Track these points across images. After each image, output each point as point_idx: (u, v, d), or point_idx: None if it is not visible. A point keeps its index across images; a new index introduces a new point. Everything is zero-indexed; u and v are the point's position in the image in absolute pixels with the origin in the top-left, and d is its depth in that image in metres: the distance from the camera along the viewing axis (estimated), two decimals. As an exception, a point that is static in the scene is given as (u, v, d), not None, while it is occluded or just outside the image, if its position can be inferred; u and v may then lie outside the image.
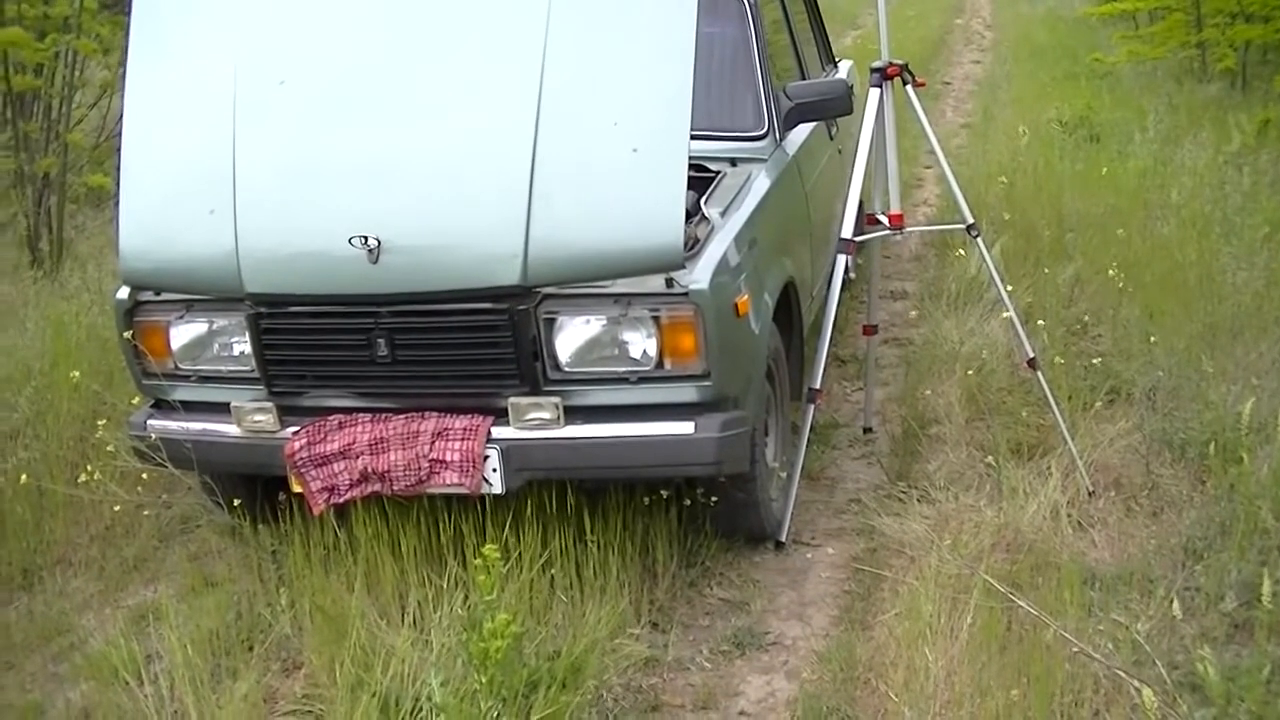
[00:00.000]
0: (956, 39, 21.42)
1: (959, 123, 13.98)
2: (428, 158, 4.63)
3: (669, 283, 4.53)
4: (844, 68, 8.62)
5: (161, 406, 5.14)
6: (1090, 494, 5.50)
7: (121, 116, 5.07)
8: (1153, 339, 6.54)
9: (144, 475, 5.31)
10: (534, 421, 4.63)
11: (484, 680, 3.85)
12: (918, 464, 5.99)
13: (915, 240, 9.15)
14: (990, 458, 5.78)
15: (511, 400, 4.64)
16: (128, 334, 5.02)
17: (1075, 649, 4.16)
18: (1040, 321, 6.85)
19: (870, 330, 6.30)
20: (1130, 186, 9.55)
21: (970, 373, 6.44)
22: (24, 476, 5.51)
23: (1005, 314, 5.75)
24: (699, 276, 4.55)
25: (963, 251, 7.78)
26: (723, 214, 5.05)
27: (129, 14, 5.06)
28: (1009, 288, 6.01)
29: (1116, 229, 8.40)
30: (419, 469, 4.65)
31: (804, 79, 6.96)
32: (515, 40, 4.64)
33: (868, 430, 6.47)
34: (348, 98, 4.76)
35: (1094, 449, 5.71)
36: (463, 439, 4.63)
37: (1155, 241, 8.28)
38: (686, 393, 4.64)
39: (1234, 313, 7.12)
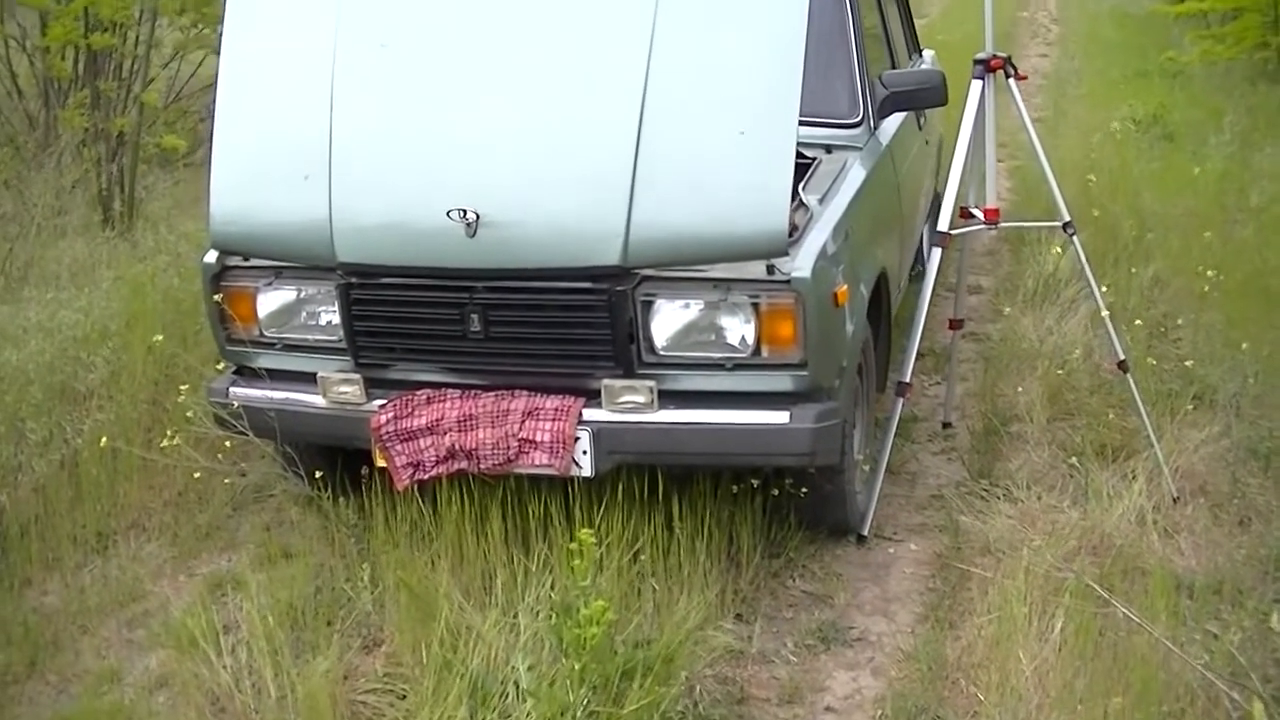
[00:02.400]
0: (1022, 31, 21.23)
1: (1030, 117, 13.81)
2: (531, 133, 4.56)
3: (770, 269, 4.46)
4: (928, 57, 8.53)
5: (244, 374, 5.10)
6: (1175, 500, 5.41)
7: (216, 76, 5.01)
8: (1244, 345, 6.44)
9: (227, 443, 5.26)
10: (627, 404, 4.57)
11: (576, 667, 3.79)
12: (999, 462, 5.92)
13: (989, 234, 9.04)
14: (1074, 459, 5.70)
15: (605, 382, 4.58)
16: (216, 298, 4.97)
17: (1177, 658, 4.09)
18: (1137, 322, 6.77)
19: (956, 324, 6.22)
20: (1209, 189, 9.43)
21: (1060, 371, 6.35)
22: (104, 439, 5.47)
23: (1102, 313, 5.66)
24: (801, 264, 4.46)
25: (1059, 249, 7.67)
26: (821, 201, 4.97)
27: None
28: (1104, 288, 5.92)
29: (1196, 231, 8.31)
30: (508, 448, 4.60)
31: (894, 68, 6.88)
32: (624, 17, 4.57)
33: (946, 425, 6.39)
34: (451, 68, 4.70)
35: (1179, 454, 5.63)
36: (554, 419, 4.57)
37: (1235, 245, 8.18)
38: (782, 381, 4.57)
39: (1319, 320, 7.04)
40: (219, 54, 5.02)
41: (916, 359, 5.68)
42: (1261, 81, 13.78)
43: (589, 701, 3.81)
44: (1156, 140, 11.50)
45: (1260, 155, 10.29)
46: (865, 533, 5.32)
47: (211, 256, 5.00)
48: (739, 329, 4.55)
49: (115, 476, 5.63)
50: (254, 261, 4.95)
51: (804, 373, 4.53)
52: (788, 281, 4.45)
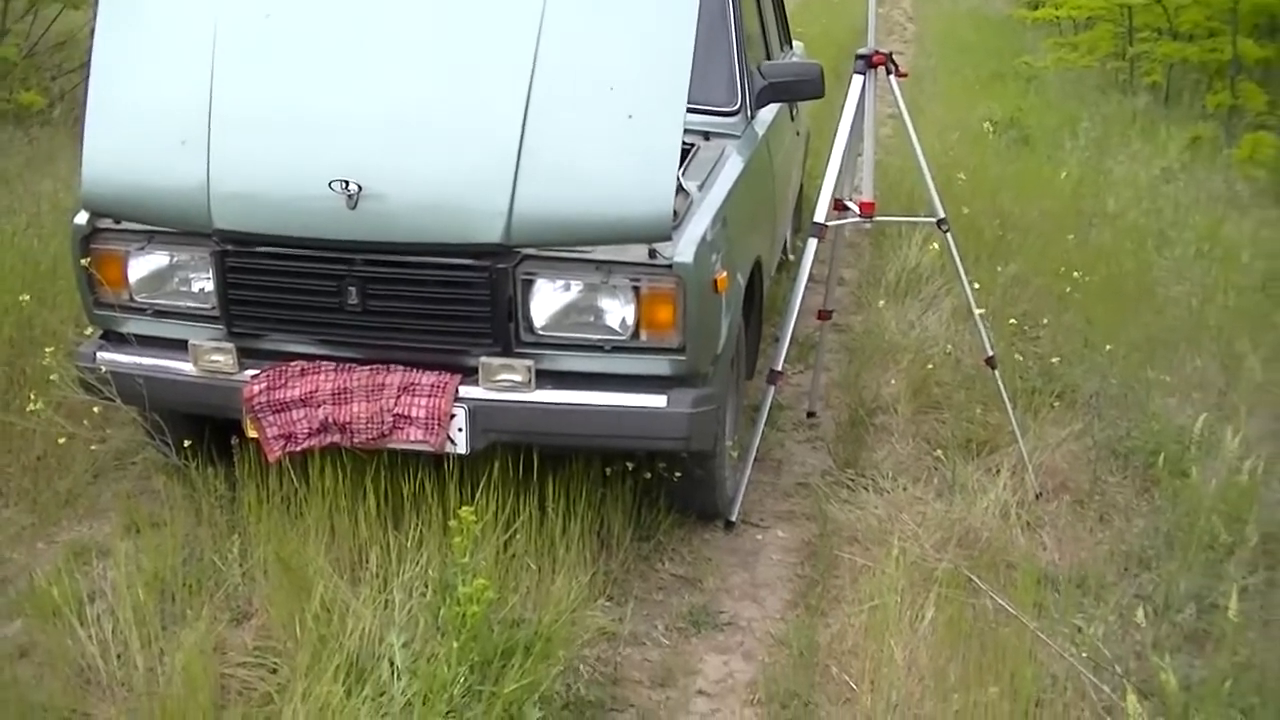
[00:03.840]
0: (878, 28, 21.38)
1: (886, 113, 13.96)
2: (416, 107, 4.52)
3: (652, 253, 4.46)
4: (798, 48, 8.59)
5: (112, 338, 4.98)
6: (1038, 495, 5.51)
7: (91, 33, 4.88)
8: (1108, 348, 6.59)
9: (94, 409, 5.15)
10: (504, 383, 4.54)
11: (455, 645, 3.76)
12: (864, 452, 5.98)
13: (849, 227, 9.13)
14: (939, 451, 5.78)
15: (483, 360, 4.55)
16: (84, 261, 4.86)
17: (1045, 649, 4.17)
18: (1011, 320, 6.89)
19: (825, 315, 6.27)
20: (1065, 192, 9.61)
21: (930, 366, 6.44)
22: (-37, 401, 5.35)
23: (976, 310, 5.73)
24: (683, 249, 4.47)
25: (923, 244, 7.78)
26: (700, 188, 4.97)
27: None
28: (975, 285, 6.00)
29: (1055, 233, 8.47)
30: (382, 422, 4.55)
31: (768, 58, 6.91)
32: None
33: (811, 414, 6.44)
34: (338, 40, 4.64)
35: (1041, 451, 5.73)
36: (430, 395, 4.53)
37: (1091, 249, 8.34)
38: (660, 365, 4.57)
39: (1171, 324, 7.21)
40: (94, 8, 4.88)
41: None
42: (1113, 91, 14.08)
43: (467, 680, 3.78)
44: (1013, 142, 11.69)
45: (1115, 163, 10.52)
46: (733, 518, 5.35)
47: (82, 218, 4.87)
48: (619, 311, 4.55)
49: (-32, 441, 5.49)
50: (125, 225, 4.84)
51: (682, 357, 4.54)
52: (669, 266, 4.45)
